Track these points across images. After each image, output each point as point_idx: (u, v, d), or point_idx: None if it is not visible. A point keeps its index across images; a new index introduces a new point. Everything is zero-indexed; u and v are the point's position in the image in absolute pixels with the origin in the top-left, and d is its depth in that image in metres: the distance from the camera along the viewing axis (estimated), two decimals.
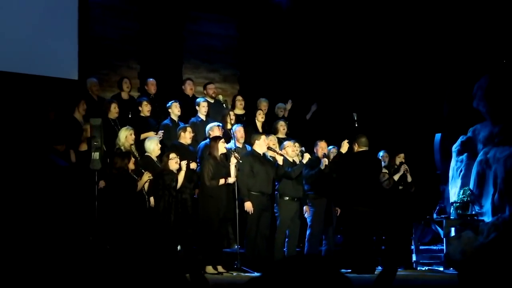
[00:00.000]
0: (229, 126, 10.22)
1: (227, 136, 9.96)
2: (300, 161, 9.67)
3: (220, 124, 9.98)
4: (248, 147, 9.98)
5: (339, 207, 10.08)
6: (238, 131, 10.00)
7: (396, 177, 10.63)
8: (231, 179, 9.09)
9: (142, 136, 9.88)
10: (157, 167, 9.10)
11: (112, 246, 8.54)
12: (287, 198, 9.50)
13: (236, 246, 9.50)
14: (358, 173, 9.77)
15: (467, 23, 12.25)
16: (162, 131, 10.07)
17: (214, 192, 8.99)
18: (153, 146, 9.34)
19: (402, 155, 10.90)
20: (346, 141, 10.00)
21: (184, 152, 9.33)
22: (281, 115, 11.76)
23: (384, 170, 10.60)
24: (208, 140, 9.69)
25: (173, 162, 8.93)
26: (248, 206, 9.18)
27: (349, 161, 10.11)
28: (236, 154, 9.14)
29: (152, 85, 11.16)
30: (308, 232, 9.72)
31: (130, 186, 8.76)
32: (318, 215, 9.69)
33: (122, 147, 9.20)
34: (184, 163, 8.96)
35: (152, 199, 8.94)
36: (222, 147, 9.12)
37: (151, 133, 9.96)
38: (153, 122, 10.36)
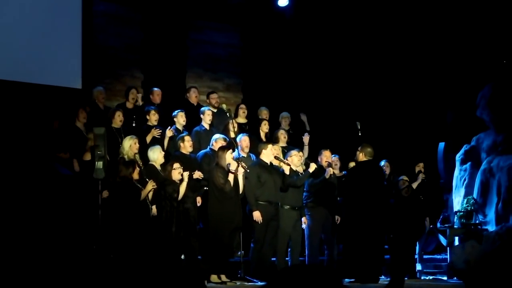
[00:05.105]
0: (232, 135, 10.20)
1: (231, 145, 9.93)
2: (307, 170, 9.64)
3: (227, 138, 9.90)
4: (253, 157, 9.95)
5: (339, 216, 10.06)
6: (244, 140, 9.94)
7: (414, 185, 10.77)
8: (235, 172, 8.96)
9: (148, 138, 9.88)
10: (160, 176, 9.05)
11: (115, 255, 8.53)
12: (287, 207, 9.49)
13: (239, 255, 9.48)
14: (362, 182, 9.76)
15: (470, 33, 12.26)
16: (173, 128, 10.04)
17: (228, 204, 8.97)
18: (156, 155, 9.30)
19: (421, 164, 11.19)
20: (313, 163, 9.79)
21: (186, 162, 9.27)
22: (285, 124, 11.71)
23: (405, 178, 10.67)
24: (208, 149, 9.69)
25: (176, 172, 8.89)
26: (257, 215, 9.12)
27: (353, 170, 10.12)
28: (243, 164, 9.11)
29: (157, 95, 11.13)
30: (306, 243, 9.70)
31: (134, 195, 8.73)
32: (315, 224, 9.67)
33: (126, 156, 9.18)
34: (186, 174, 8.93)
35: (154, 208, 8.91)
36: (229, 157, 9.09)
37: (154, 132, 9.97)
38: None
